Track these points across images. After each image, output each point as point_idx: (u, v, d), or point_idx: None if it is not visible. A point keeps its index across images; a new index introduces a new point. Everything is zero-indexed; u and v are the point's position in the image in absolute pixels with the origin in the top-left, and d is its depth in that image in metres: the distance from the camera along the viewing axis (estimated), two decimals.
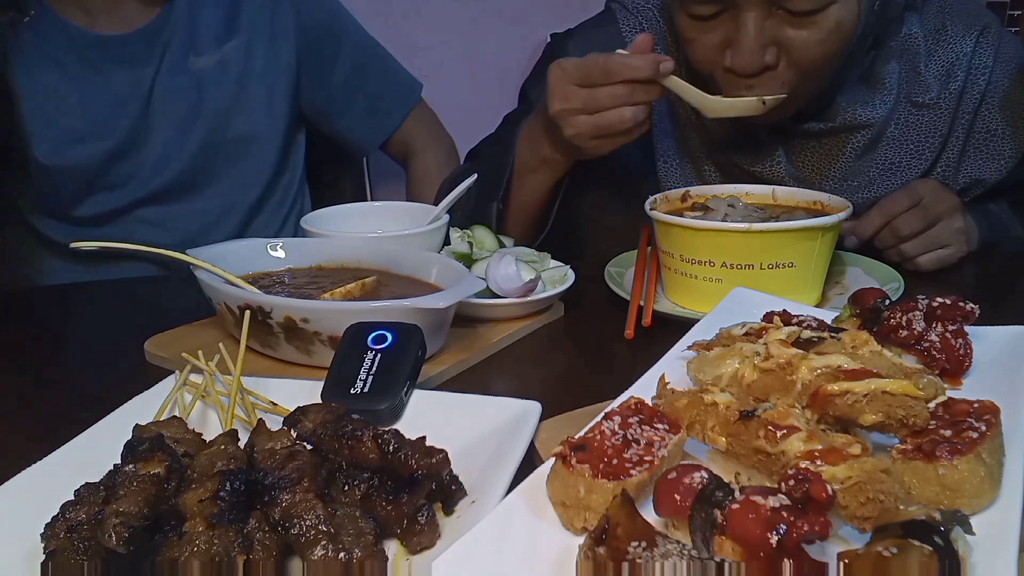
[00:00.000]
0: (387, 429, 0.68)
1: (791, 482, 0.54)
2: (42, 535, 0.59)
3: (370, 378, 0.78)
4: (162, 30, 1.47)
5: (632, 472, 0.60)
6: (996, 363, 0.78)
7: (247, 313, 0.87)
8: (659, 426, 0.64)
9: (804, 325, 0.80)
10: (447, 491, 0.64)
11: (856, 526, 0.57)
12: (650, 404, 0.68)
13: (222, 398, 0.79)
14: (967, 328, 0.80)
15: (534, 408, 0.74)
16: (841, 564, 0.50)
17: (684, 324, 0.88)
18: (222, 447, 0.68)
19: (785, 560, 0.50)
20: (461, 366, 0.94)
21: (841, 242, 1.15)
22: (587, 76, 1.13)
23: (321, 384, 0.79)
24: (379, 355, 0.80)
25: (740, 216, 1.10)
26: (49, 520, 0.60)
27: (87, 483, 0.64)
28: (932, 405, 0.66)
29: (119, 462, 0.67)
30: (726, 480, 0.57)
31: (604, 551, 0.52)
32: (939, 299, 0.82)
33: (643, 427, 0.64)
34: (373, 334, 0.82)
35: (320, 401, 0.76)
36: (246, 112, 1.54)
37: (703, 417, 0.66)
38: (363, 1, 1.72)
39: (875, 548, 0.50)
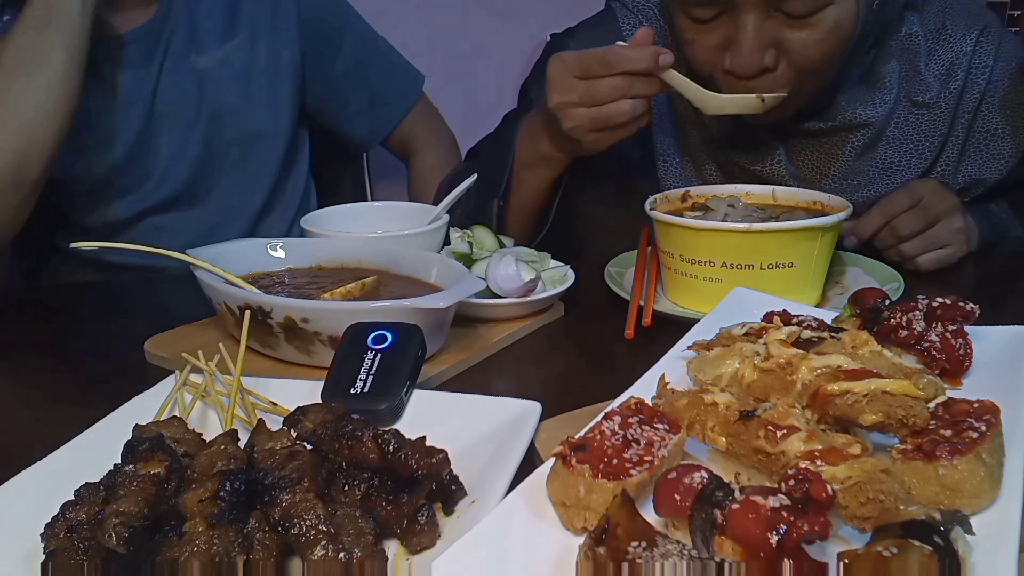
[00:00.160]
0: (387, 429, 0.68)
1: (791, 482, 0.54)
2: (42, 535, 0.59)
3: (370, 378, 0.78)
4: (162, 28, 1.45)
5: (632, 472, 0.60)
6: (996, 363, 0.78)
7: (247, 313, 0.87)
8: (659, 426, 0.64)
9: (804, 325, 0.80)
10: (447, 491, 0.64)
11: (856, 526, 0.57)
12: (650, 404, 0.68)
13: (222, 398, 0.79)
14: (967, 328, 0.80)
15: (534, 408, 0.74)
16: (841, 564, 0.50)
17: (684, 324, 0.88)
18: (222, 447, 0.68)
19: (785, 560, 0.50)
20: (461, 366, 0.94)
21: (841, 242, 1.15)
22: (586, 68, 1.13)
23: (321, 384, 0.79)
24: (379, 355, 0.80)
25: (740, 216, 1.10)
26: (49, 520, 0.60)
27: (87, 483, 0.64)
28: (932, 405, 0.66)
29: (119, 462, 0.67)
30: (726, 480, 0.57)
31: (604, 551, 0.52)
32: (939, 299, 0.82)
33: (643, 427, 0.64)
34: (373, 334, 0.82)
35: (320, 401, 0.76)
36: (252, 110, 1.53)
37: (703, 417, 0.66)
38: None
39: (875, 548, 0.50)
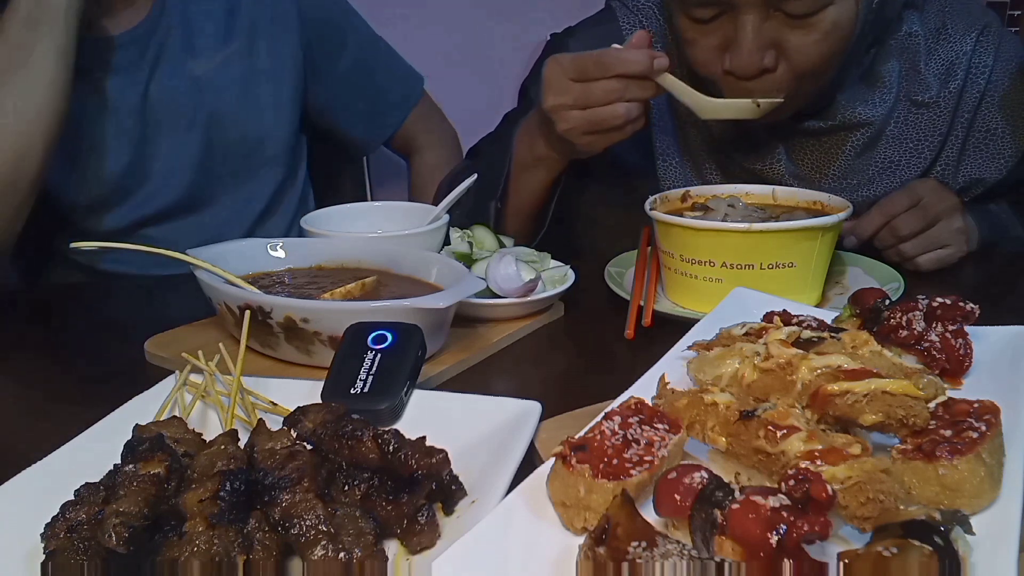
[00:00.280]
0: (387, 429, 0.68)
1: (791, 482, 0.54)
2: (42, 535, 0.59)
3: (370, 378, 0.78)
4: (153, 32, 1.39)
5: (632, 472, 0.60)
6: (996, 363, 0.78)
7: (247, 313, 0.87)
8: (659, 426, 0.64)
9: (804, 325, 0.80)
10: (447, 491, 0.64)
11: (856, 526, 0.57)
12: (650, 404, 0.68)
13: (222, 398, 0.79)
14: (967, 328, 0.80)
15: (534, 408, 0.74)
16: (841, 564, 0.50)
17: (684, 324, 0.88)
18: (222, 447, 0.68)
19: (785, 560, 0.50)
20: (461, 366, 0.94)
21: (841, 242, 1.15)
22: (581, 70, 1.13)
23: (321, 384, 0.79)
24: (379, 355, 0.80)
25: (740, 216, 1.10)
26: (49, 520, 0.60)
27: (87, 483, 0.64)
28: (932, 405, 0.66)
29: (119, 462, 0.67)
30: (726, 480, 0.57)
31: (604, 551, 0.52)
32: (939, 299, 0.82)
33: (643, 427, 0.64)
34: (373, 334, 0.82)
35: (320, 401, 0.76)
36: (252, 116, 1.49)
37: (703, 417, 0.66)
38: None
39: (875, 548, 0.50)
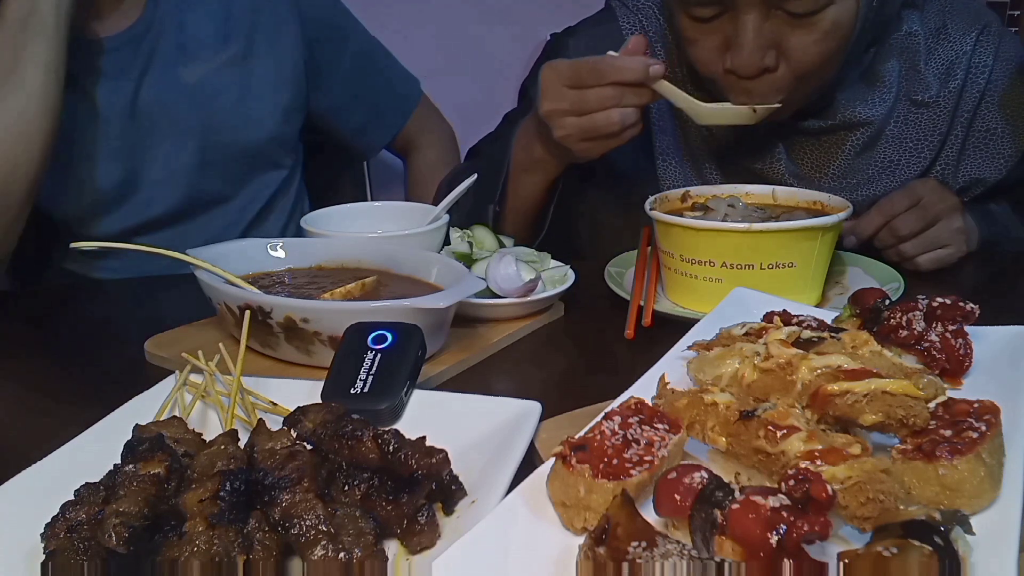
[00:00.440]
0: (387, 429, 0.68)
1: (791, 482, 0.54)
2: (42, 535, 0.59)
3: (370, 378, 0.78)
4: (144, 36, 1.36)
5: (632, 472, 0.60)
6: (996, 363, 0.78)
7: (247, 313, 0.87)
8: (659, 426, 0.64)
9: (804, 325, 0.80)
10: (447, 491, 0.64)
11: (856, 526, 0.57)
12: (650, 404, 0.68)
13: (222, 398, 0.79)
14: (967, 328, 0.80)
15: (534, 408, 0.74)
16: (841, 564, 0.50)
17: (684, 324, 0.88)
18: (222, 447, 0.68)
19: (785, 560, 0.50)
20: (461, 366, 0.94)
21: (841, 242, 1.15)
22: (577, 77, 1.13)
23: (321, 384, 0.79)
24: (379, 355, 0.80)
25: (740, 216, 1.10)
26: (49, 520, 0.60)
27: (87, 483, 0.64)
28: (932, 405, 0.66)
29: (119, 462, 0.67)
30: (726, 480, 0.57)
31: (604, 551, 0.52)
32: (939, 299, 0.82)
33: (643, 427, 0.64)
34: (373, 334, 0.82)
35: (320, 401, 0.76)
36: (251, 123, 1.46)
37: (703, 417, 0.66)
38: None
39: (875, 548, 0.50)
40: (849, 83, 1.28)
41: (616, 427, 0.63)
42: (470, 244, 1.15)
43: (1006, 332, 0.82)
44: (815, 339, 0.75)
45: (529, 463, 0.67)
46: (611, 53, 1.14)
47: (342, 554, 0.57)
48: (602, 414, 0.65)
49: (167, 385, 0.81)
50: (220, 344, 0.83)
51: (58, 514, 0.60)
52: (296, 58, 1.50)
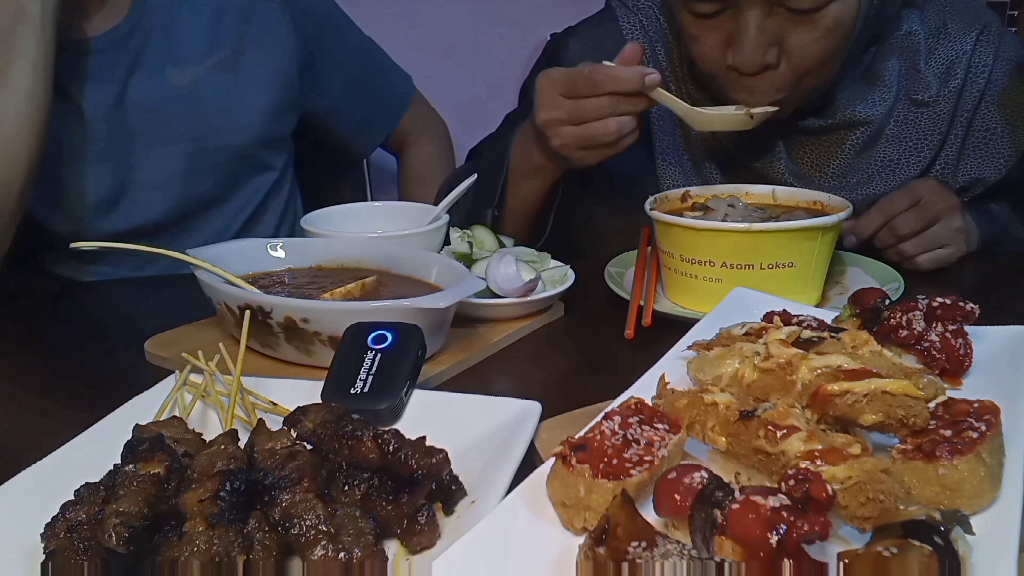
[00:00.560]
0: (387, 429, 0.68)
1: (791, 482, 0.54)
2: (42, 535, 0.59)
3: (370, 378, 0.78)
4: (130, 37, 1.33)
5: (632, 472, 0.60)
6: (996, 363, 0.78)
7: (247, 313, 0.87)
8: (659, 426, 0.64)
9: (804, 325, 0.80)
10: (447, 491, 0.64)
11: (856, 526, 0.57)
12: (650, 404, 0.68)
13: (222, 398, 0.79)
14: (967, 328, 0.80)
15: (534, 408, 0.74)
16: (841, 564, 0.50)
17: (684, 324, 0.88)
18: (222, 447, 0.68)
19: (785, 560, 0.50)
20: (461, 366, 0.94)
21: (841, 242, 1.15)
22: (573, 87, 1.13)
23: (321, 384, 0.79)
24: (379, 355, 0.80)
25: (740, 216, 1.10)
26: (49, 520, 0.60)
27: (87, 483, 0.64)
28: (932, 405, 0.66)
29: (119, 462, 0.67)
30: (726, 480, 0.57)
31: (604, 551, 0.52)
32: (939, 299, 0.82)
33: (643, 427, 0.64)
34: (373, 334, 0.82)
35: (320, 401, 0.76)
36: (243, 127, 1.44)
37: (703, 417, 0.66)
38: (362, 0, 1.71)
39: (875, 548, 0.50)
40: (849, 82, 1.28)
41: (616, 427, 0.63)
42: (470, 244, 1.15)
43: (1006, 332, 0.82)
44: (815, 339, 0.75)
45: (529, 463, 0.67)
46: (606, 63, 1.14)
47: (342, 554, 0.57)
48: (602, 414, 0.65)
49: (167, 385, 0.81)
50: (220, 344, 0.83)
51: (58, 514, 0.60)
52: (289, 58, 1.48)
